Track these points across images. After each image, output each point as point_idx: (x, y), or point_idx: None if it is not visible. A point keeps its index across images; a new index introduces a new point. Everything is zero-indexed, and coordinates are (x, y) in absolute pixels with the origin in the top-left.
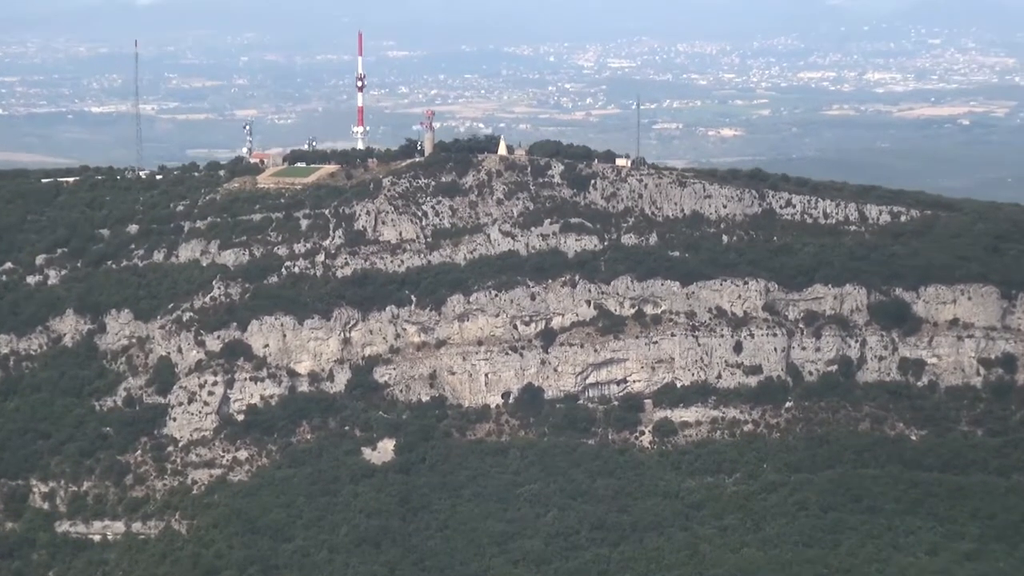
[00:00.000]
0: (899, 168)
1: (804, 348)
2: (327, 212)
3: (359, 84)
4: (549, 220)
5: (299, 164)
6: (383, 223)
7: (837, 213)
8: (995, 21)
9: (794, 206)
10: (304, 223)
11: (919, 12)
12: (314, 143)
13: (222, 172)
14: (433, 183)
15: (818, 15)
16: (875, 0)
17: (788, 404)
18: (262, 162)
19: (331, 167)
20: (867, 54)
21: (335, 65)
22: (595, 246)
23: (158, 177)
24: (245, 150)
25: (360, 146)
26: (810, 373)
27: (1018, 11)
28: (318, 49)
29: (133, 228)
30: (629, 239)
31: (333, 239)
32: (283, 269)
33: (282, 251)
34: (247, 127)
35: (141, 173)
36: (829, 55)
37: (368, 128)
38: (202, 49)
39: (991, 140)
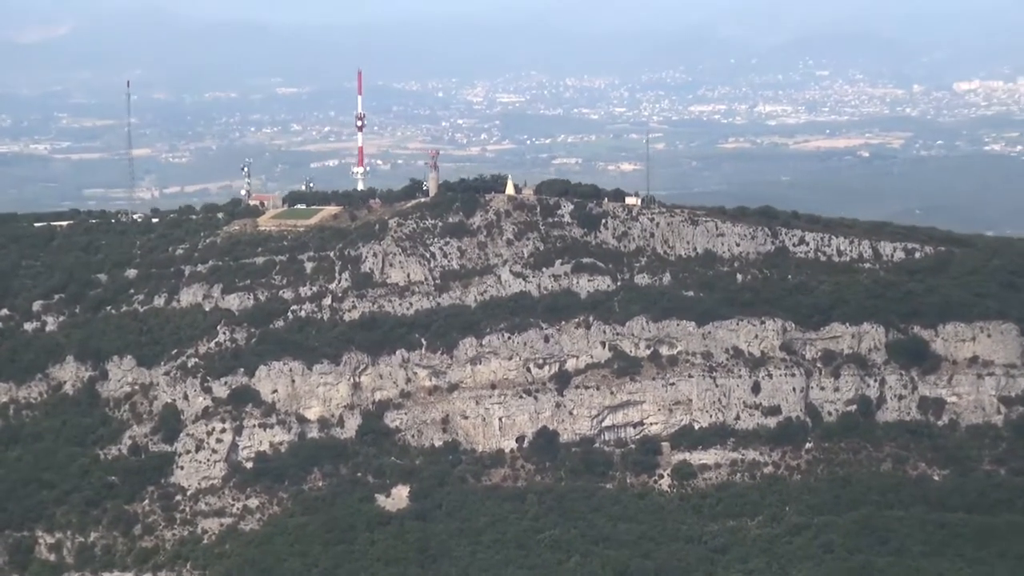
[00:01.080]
0: (807, 201)
1: (823, 388)
2: (332, 254)
3: (358, 124)
4: (560, 260)
5: (299, 206)
6: (390, 265)
7: (851, 250)
8: (881, 53)
9: (807, 243)
10: (309, 266)
11: (806, 44)
12: (311, 184)
13: (220, 215)
14: (440, 224)
15: (706, 48)
16: (763, 32)
17: (808, 445)
18: (262, 204)
19: (333, 208)
20: (756, 86)
21: (224, 103)
22: (608, 286)
23: (154, 221)
24: (243, 192)
25: (360, 187)
26: (829, 413)
27: (903, 44)
28: (205, 86)
29: (131, 272)
30: (642, 279)
31: (339, 282)
32: (289, 313)
33: (287, 295)
34: (244, 168)
35: (136, 216)
36: (718, 88)
37: (368, 168)
38: (89, 88)
39: (892, 171)
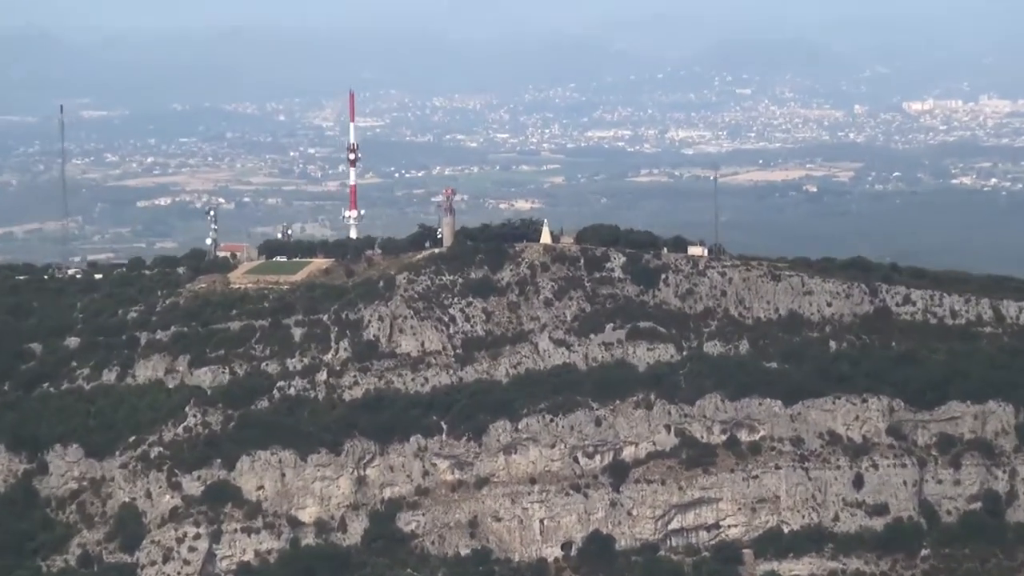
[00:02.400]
0: (756, 245)
1: (940, 481)
2: (326, 318)
3: (351, 157)
4: (612, 325)
5: (279, 258)
6: (400, 331)
7: (967, 312)
8: (813, 67)
9: (914, 303)
10: (298, 332)
11: (721, 56)
12: (290, 232)
13: (181, 270)
14: (461, 280)
15: (600, 62)
16: (667, 43)
17: (924, 552)
18: (233, 256)
19: (322, 261)
20: (664, 107)
21: (19, 128)
22: (672, 356)
23: (97, 277)
24: (209, 241)
25: (354, 234)
26: (948, 512)
27: (837, 55)
28: None
29: (73, 341)
30: (714, 347)
31: (337, 352)
32: (275, 391)
33: (272, 368)
34: (211, 212)
35: (73, 272)
36: (618, 109)
37: (363, 212)
38: None
39: (849, 209)
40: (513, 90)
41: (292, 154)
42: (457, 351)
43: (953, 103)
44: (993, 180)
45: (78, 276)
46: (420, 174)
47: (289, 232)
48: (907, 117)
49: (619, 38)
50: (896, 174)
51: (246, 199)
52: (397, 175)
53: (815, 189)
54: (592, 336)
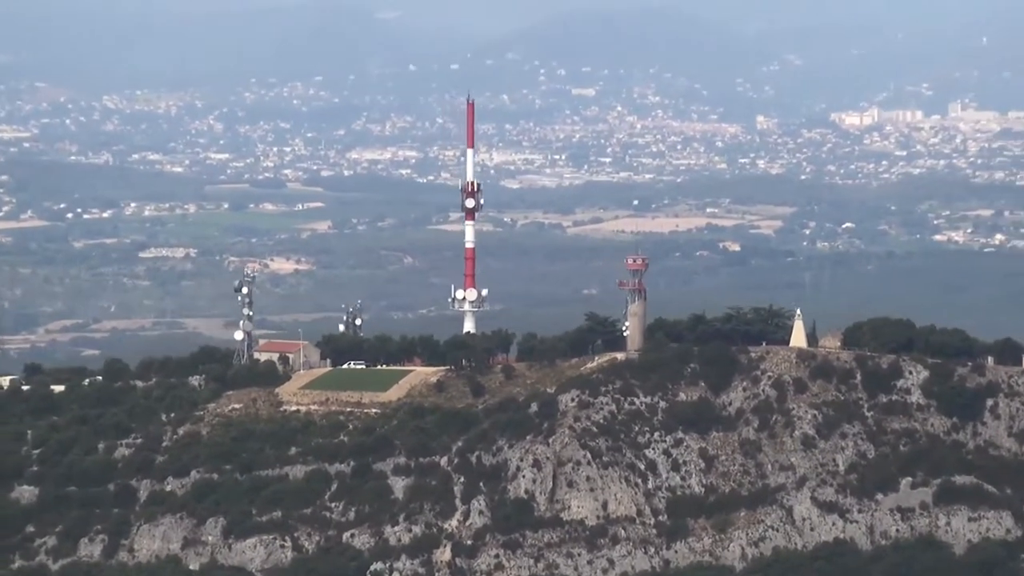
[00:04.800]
0: None
1: None
2: (445, 463)
3: (468, 204)
4: (911, 480)
5: (355, 363)
6: (569, 485)
7: None
8: (690, 54)
9: None
10: (398, 484)
11: (548, 37)
12: (358, 322)
13: (197, 380)
14: (663, 404)
15: (360, 41)
16: (464, 15)
17: None
18: (286, 361)
19: (424, 368)
20: (462, 116)
21: None
22: (1008, 532)
23: (55, 390)
24: (240, 334)
25: (470, 327)
26: None
27: (729, 38)
28: None
29: (27, 492)
30: None
31: (468, 517)
32: None
33: (362, 540)
34: (244, 288)
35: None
36: (392, 117)
37: (486, 293)
38: None
39: (798, 280)
40: (227, 85)
41: None
42: (661, 517)
43: (909, 115)
44: (999, 237)
45: (23, 386)
46: (106, 214)
47: (357, 321)
48: (842, 135)
49: (388, 2)
50: (847, 225)
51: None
52: (70, 215)
53: (737, 247)
54: (880, 497)
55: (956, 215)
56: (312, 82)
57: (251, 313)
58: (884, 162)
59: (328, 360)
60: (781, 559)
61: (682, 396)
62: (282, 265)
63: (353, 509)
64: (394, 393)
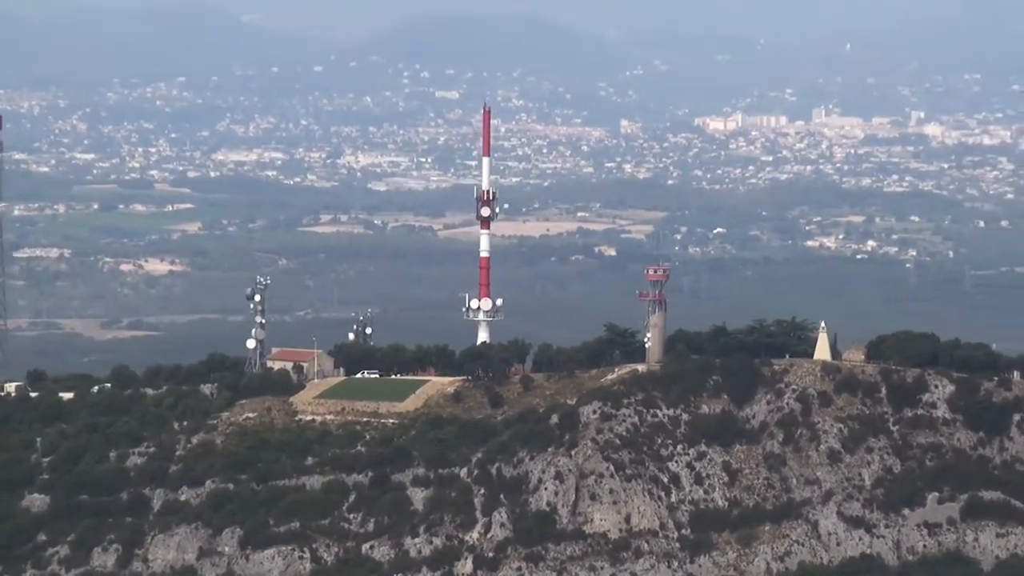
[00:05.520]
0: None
1: None
2: (463, 474)
3: (484, 212)
4: (937, 495)
5: (368, 373)
6: (592, 498)
7: None
8: (554, 58)
9: None
10: (418, 495)
11: (411, 40)
12: (369, 331)
13: (209, 389)
14: (686, 417)
15: (224, 43)
16: (328, 16)
17: None
18: (300, 370)
19: (440, 380)
20: (328, 117)
21: None
22: None
23: (64, 398)
24: (252, 342)
25: (484, 336)
26: None
27: (592, 43)
28: None
29: (38, 500)
30: None
31: (489, 530)
32: None
33: (381, 553)
34: (256, 295)
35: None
36: (256, 118)
37: (500, 303)
38: None
39: (678, 285)
40: (89, 85)
41: None
42: (684, 531)
43: (774, 120)
44: (871, 243)
45: (31, 394)
46: None
47: (368, 330)
48: (708, 140)
49: (251, 5)
50: (719, 230)
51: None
52: None
53: (613, 252)
54: (906, 512)
55: (827, 221)
56: (175, 83)
57: (263, 321)
58: (751, 167)
59: (341, 369)
60: (807, 574)
61: (705, 408)
62: (156, 266)
63: (372, 520)
64: (411, 403)
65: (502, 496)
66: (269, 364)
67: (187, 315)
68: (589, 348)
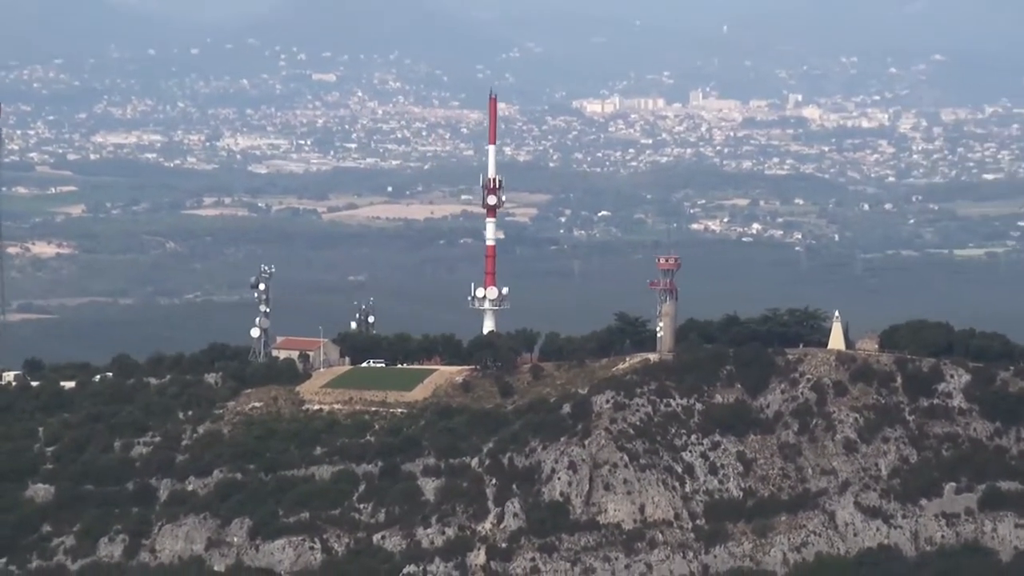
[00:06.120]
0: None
1: None
2: (475, 463)
3: (490, 200)
4: (955, 485)
5: (374, 362)
6: (606, 488)
7: None
8: (431, 40)
9: None
10: (428, 485)
11: (287, 22)
12: (371, 319)
13: (214, 378)
14: (700, 407)
15: (100, 24)
16: (208, 4)
17: None
18: (306, 360)
19: (448, 369)
20: (205, 99)
21: None
22: None
23: (65, 386)
24: (256, 331)
25: (490, 325)
26: None
27: (469, 26)
28: None
29: (42, 490)
30: None
31: (502, 520)
32: None
33: (393, 543)
34: (259, 284)
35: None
36: (134, 100)
37: (506, 291)
38: None
39: (567, 269)
40: None
41: None
42: (699, 522)
43: (651, 103)
44: (756, 226)
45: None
46: None
47: (370, 318)
48: (587, 123)
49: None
50: (603, 213)
51: None
52: None
53: (502, 235)
54: (924, 502)
55: (712, 204)
56: (52, 65)
57: (268, 310)
58: (631, 150)
59: (347, 358)
60: (825, 565)
61: (718, 398)
62: (44, 249)
63: (383, 510)
64: (419, 393)
65: (514, 486)
66: (274, 353)
67: (77, 298)
68: (599, 337)
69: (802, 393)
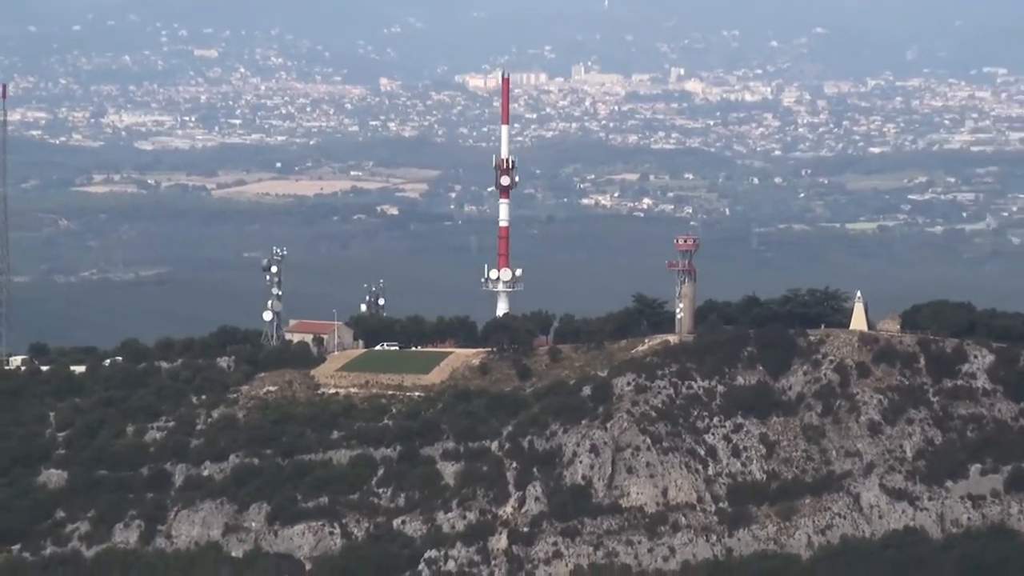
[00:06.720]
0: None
1: None
2: (494, 447)
3: (503, 181)
4: (980, 467)
5: (388, 345)
6: (629, 471)
7: None
8: (308, 17)
9: None
10: (450, 469)
11: (161, 0)
12: (381, 301)
13: (226, 362)
14: (722, 389)
15: None
16: None
17: None
18: (321, 343)
19: (464, 352)
20: (88, 76)
21: None
22: None
23: (75, 371)
24: (269, 315)
25: (504, 307)
26: None
27: (346, 3)
28: None
29: (55, 476)
30: None
31: (523, 504)
32: (422, 565)
33: (413, 528)
34: (272, 267)
35: (15, 361)
36: (16, 77)
37: (520, 272)
38: None
39: (464, 244)
40: None
41: None
42: (722, 504)
43: (533, 77)
44: (647, 201)
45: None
46: None
47: (381, 301)
48: (471, 98)
49: None
50: (492, 189)
51: None
52: None
53: (396, 211)
54: (950, 484)
55: (601, 179)
56: None
57: (280, 293)
58: (516, 125)
59: (361, 342)
60: (850, 547)
61: (740, 380)
62: None
63: (402, 495)
64: (436, 376)
65: (535, 470)
66: (288, 336)
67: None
68: (616, 319)
69: (825, 374)
